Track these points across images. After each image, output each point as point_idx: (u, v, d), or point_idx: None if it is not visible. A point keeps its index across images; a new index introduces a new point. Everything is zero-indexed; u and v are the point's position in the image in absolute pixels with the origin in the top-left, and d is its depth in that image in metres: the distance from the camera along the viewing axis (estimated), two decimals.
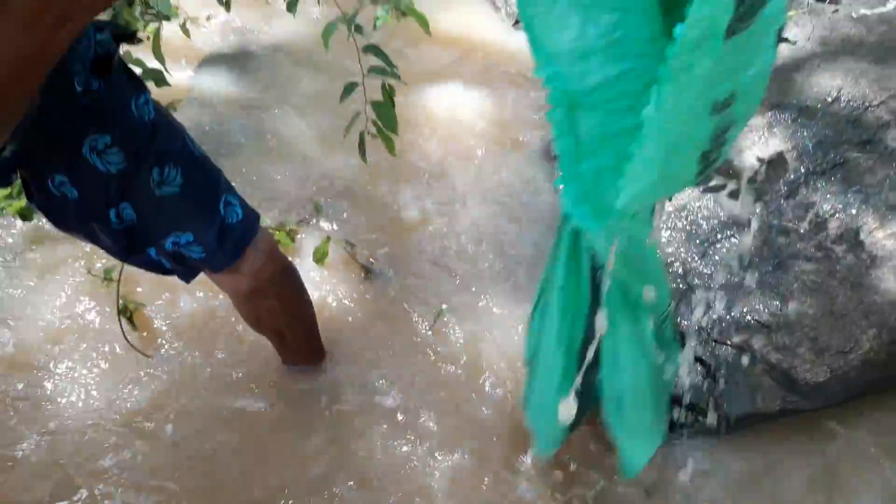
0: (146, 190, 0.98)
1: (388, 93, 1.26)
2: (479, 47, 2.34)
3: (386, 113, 1.27)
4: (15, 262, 1.68)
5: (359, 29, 1.25)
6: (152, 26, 1.36)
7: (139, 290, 1.60)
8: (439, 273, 1.68)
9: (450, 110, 2.09)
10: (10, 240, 1.74)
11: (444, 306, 1.59)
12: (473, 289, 1.65)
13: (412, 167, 1.92)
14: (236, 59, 2.20)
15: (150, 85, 1.11)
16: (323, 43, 1.21)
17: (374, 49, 1.22)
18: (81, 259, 1.66)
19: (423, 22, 1.30)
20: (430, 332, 1.56)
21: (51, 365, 1.49)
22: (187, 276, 1.11)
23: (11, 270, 1.65)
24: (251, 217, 1.09)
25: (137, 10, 1.35)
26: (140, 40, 1.25)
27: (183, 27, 1.47)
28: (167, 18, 1.43)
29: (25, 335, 1.53)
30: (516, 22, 2.41)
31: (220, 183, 1.06)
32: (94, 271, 1.55)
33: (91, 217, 0.99)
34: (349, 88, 1.26)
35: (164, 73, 1.32)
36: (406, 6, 1.31)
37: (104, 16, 1.30)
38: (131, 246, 1.03)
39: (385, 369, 1.51)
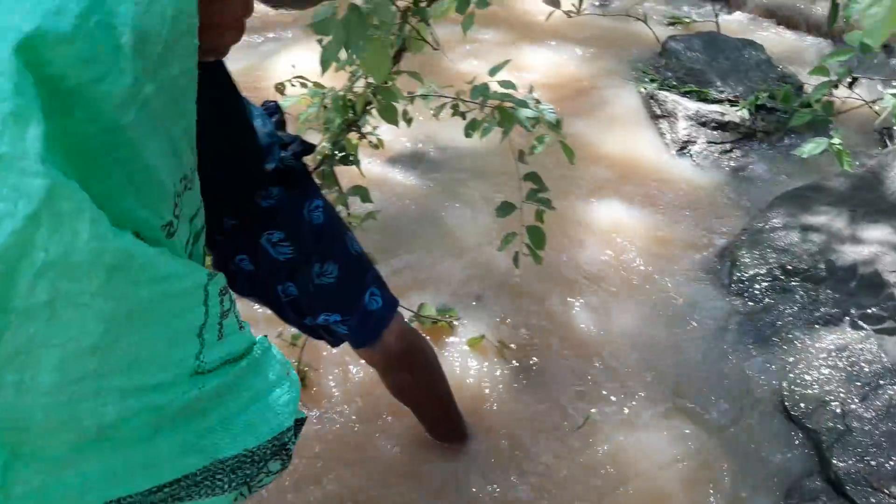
0: (307, 278, 1.18)
1: (540, 216, 1.43)
2: (640, 170, 2.45)
3: (537, 237, 1.45)
4: None
5: (521, 157, 1.43)
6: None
7: (324, 353, 1.78)
8: (588, 375, 1.74)
9: (609, 223, 2.19)
10: None
11: (592, 410, 1.64)
12: (622, 397, 1.69)
13: (569, 269, 2.02)
14: (417, 160, 2.44)
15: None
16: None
17: (533, 177, 1.42)
18: (275, 324, 1.87)
19: (570, 154, 1.48)
20: (574, 435, 1.61)
21: None
22: (334, 344, 1.30)
23: None
24: (389, 306, 1.28)
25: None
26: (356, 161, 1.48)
27: (379, 140, 1.72)
28: (349, 162, 1.66)
29: None
30: (681, 148, 2.51)
31: (367, 277, 1.26)
32: (283, 336, 1.75)
33: (262, 289, 1.21)
34: (505, 210, 1.45)
35: (368, 191, 1.57)
36: (556, 137, 1.47)
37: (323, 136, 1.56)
38: (292, 314, 1.23)
39: (524, 463, 1.57)
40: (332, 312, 1.22)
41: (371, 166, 2.25)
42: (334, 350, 1.67)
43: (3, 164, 0.41)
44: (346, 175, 1.67)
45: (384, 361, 1.37)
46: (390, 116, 1.43)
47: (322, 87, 1.99)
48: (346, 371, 1.79)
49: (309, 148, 1.21)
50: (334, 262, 1.20)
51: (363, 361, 1.74)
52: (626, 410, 1.66)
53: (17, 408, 0.44)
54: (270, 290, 1.20)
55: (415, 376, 1.43)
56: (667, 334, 1.84)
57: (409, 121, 1.61)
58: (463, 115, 1.53)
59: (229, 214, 1.13)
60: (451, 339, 1.83)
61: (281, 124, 1.21)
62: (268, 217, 1.14)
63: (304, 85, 1.64)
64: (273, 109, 1.21)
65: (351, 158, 1.52)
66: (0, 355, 0.42)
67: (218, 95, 1.03)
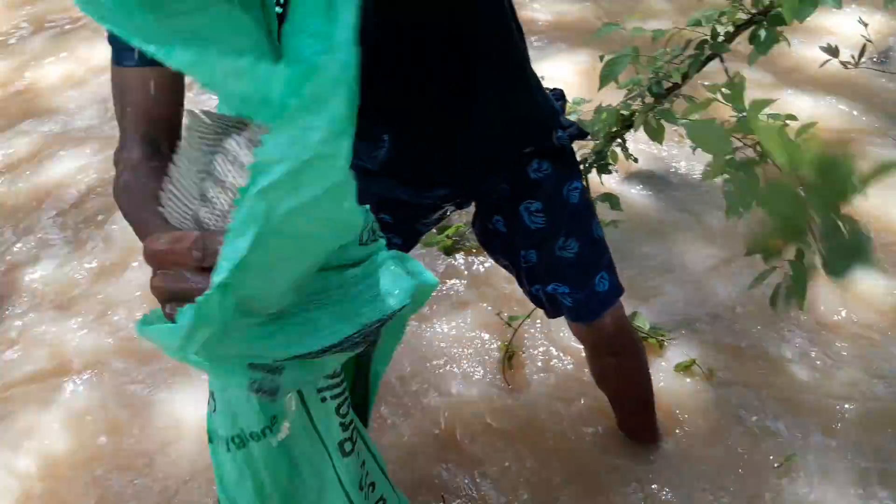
0: (550, 249, 1.29)
1: (801, 256, 1.43)
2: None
3: (800, 278, 1.45)
4: (437, 294, 2.13)
5: None
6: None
7: (534, 338, 1.94)
8: (795, 416, 1.74)
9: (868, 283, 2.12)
10: (438, 270, 2.22)
11: (793, 453, 1.66)
12: (829, 447, 1.68)
13: (808, 316, 1.99)
14: (657, 179, 2.51)
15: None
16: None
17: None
18: (496, 302, 2.07)
19: None
20: (772, 472, 1.63)
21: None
22: (553, 314, 1.40)
23: (434, 299, 2.10)
24: (615, 291, 1.36)
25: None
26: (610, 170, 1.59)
27: (626, 153, 1.83)
28: (606, 170, 1.76)
29: (426, 352, 1.95)
30: None
31: (602, 260, 1.34)
32: (501, 316, 1.93)
33: (508, 251, 1.35)
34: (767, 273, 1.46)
35: (618, 200, 1.70)
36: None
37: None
38: (526, 279, 1.36)
39: (711, 485, 1.62)
40: (562, 284, 1.32)
41: (609, 177, 2.36)
42: (542, 334, 1.82)
43: None
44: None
45: (595, 340, 1.46)
46: (658, 136, 1.54)
47: (583, 100, 2.14)
48: (550, 357, 1.93)
49: (583, 134, 1.33)
50: (577, 239, 1.30)
51: (570, 352, 1.90)
52: (827, 461, 1.65)
53: (259, 290, 0.60)
54: (514, 253, 1.34)
55: (620, 362, 1.51)
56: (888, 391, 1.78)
57: (634, 160, 1.69)
58: None
59: (505, 182, 1.28)
60: (658, 358, 1.91)
61: (563, 108, 1.34)
62: (533, 188, 1.27)
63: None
64: (559, 96, 1.35)
65: (609, 167, 1.65)
66: (269, 259, 0.56)
67: (519, 74, 1.21)
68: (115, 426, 1.87)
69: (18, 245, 2.44)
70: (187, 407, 1.89)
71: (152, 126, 0.90)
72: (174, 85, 0.92)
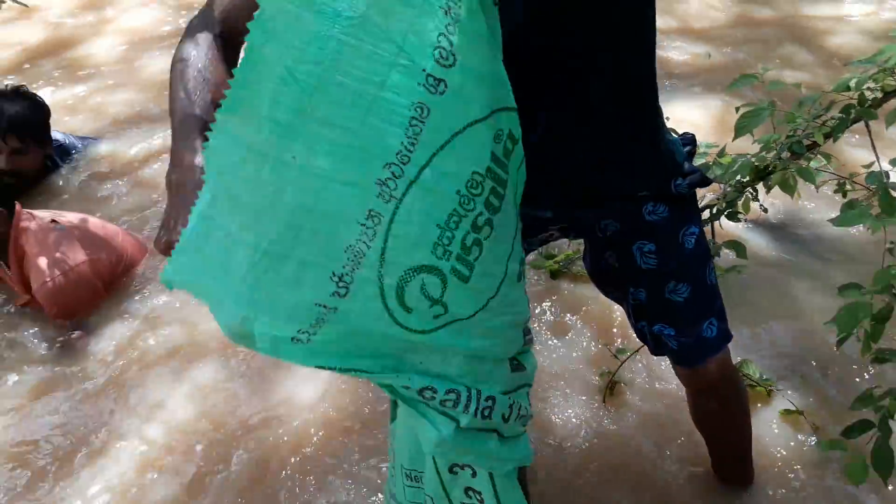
0: (660, 291, 1.29)
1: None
2: None
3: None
4: (540, 315, 2.20)
5: None
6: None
7: (640, 374, 1.98)
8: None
9: None
10: (538, 288, 2.29)
11: None
12: None
13: None
14: (775, 228, 2.50)
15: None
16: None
17: None
18: (598, 330, 2.12)
19: None
20: None
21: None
22: (656, 352, 1.40)
23: (535, 322, 2.15)
24: (723, 338, 1.35)
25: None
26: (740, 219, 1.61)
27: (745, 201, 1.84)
28: (735, 218, 1.77)
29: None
30: None
31: (713, 307, 1.33)
32: (610, 347, 1.98)
33: (618, 285, 1.37)
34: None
35: (744, 248, 1.71)
36: None
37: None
38: (633, 314, 1.37)
39: None
40: (668, 326, 1.32)
41: (729, 223, 2.36)
42: (645, 369, 1.84)
43: None
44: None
45: (698, 385, 1.46)
46: (791, 191, 1.56)
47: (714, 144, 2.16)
48: (653, 391, 1.96)
49: (706, 182, 1.29)
50: (688, 284, 1.29)
51: (671, 389, 1.92)
52: None
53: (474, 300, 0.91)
54: (624, 289, 1.35)
55: (722, 408, 1.49)
56: None
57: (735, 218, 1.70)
58: (844, 194, 1.59)
59: (613, 218, 1.28)
60: (765, 406, 1.90)
61: (690, 155, 1.33)
62: (647, 229, 1.27)
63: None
64: (689, 141, 1.34)
65: (739, 216, 1.68)
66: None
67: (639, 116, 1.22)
68: (235, 401, 2.05)
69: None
70: (304, 393, 2.05)
71: (229, 23, 0.94)
72: None
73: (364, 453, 1.87)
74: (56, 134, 3.02)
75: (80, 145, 3.13)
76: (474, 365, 1.00)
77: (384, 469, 1.82)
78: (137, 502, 1.81)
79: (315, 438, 1.92)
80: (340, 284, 0.81)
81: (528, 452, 1.10)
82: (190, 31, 1.01)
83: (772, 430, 1.85)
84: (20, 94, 2.77)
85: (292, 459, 1.87)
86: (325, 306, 0.83)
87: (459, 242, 0.84)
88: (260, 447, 1.91)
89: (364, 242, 0.79)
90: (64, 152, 3.05)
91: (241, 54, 0.76)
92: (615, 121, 1.17)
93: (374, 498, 1.77)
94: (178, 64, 0.97)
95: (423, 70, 0.76)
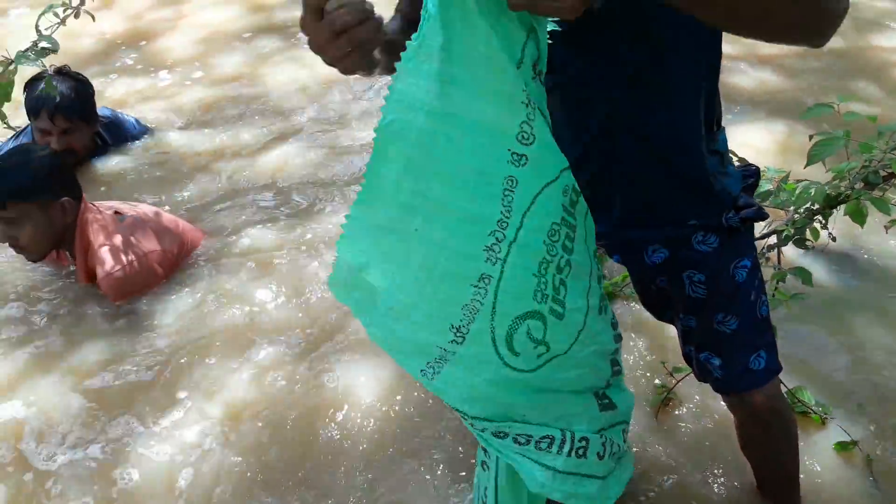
0: (709, 320, 1.30)
1: None
2: None
3: None
4: None
5: None
6: None
7: (695, 393, 2.00)
8: None
9: None
10: None
11: None
12: None
13: None
14: (840, 259, 2.47)
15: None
16: None
17: None
18: (650, 348, 2.14)
19: None
20: None
21: None
22: (700, 378, 1.41)
23: None
24: (770, 371, 1.34)
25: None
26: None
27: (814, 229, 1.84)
28: (803, 245, 1.78)
29: None
30: None
31: (762, 340, 1.32)
32: (666, 364, 2.01)
33: (668, 309, 1.39)
34: None
35: (811, 276, 1.72)
36: None
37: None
38: (681, 338, 1.39)
39: None
40: (715, 356, 1.33)
41: (788, 250, 2.36)
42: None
43: None
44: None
45: (744, 412, 1.46)
46: (861, 220, 1.57)
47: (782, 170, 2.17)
48: (705, 412, 1.96)
49: (761, 217, 1.29)
50: (738, 317, 1.29)
51: (723, 409, 1.91)
52: None
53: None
54: (674, 313, 1.37)
55: (768, 437, 1.49)
56: None
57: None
58: None
59: (660, 244, 1.29)
60: (819, 434, 1.90)
61: (752, 187, 1.33)
62: (696, 259, 1.27)
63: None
64: (752, 174, 1.34)
65: (807, 244, 1.69)
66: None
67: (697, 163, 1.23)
68: (292, 384, 2.11)
69: (236, 217, 2.77)
70: (358, 379, 2.11)
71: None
72: None
73: (414, 444, 1.92)
74: (104, 110, 3.11)
75: (132, 122, 3.20)
76: (567, 406, 1.14)
77: (434, 464, 1.86)
78: (195, 472, 1.88)
79: (369, 428, 1.97)
80: (458, 335, 0.98)
81: (618, 489, 1.24)
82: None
83: (824, 458, 1.84)
84: (64, 75, 2.83)
85: (344, 445, 1.93)
86: (444, 349, 1.00)
87: (551, 285, 0.99)
88: (313, 430, 1.98)
89: (478, 300, 0.95)
90: (113, 128, 3.12)
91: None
92: (666, 141, 1.19)
93: (424, 489, 1.81)
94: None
95: (510, 150, 0.92)
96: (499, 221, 0.94)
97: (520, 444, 1.12)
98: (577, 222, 1.03)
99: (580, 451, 1.15)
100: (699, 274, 1.28)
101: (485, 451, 1.29)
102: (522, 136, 0.92)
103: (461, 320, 0.97)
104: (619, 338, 1.21)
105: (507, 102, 0.91)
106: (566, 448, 1.13)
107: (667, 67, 1.12)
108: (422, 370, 1.04)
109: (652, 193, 1.24)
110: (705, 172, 1.22)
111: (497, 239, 0.94)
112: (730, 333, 1.30)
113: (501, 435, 1.12)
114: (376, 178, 0.93)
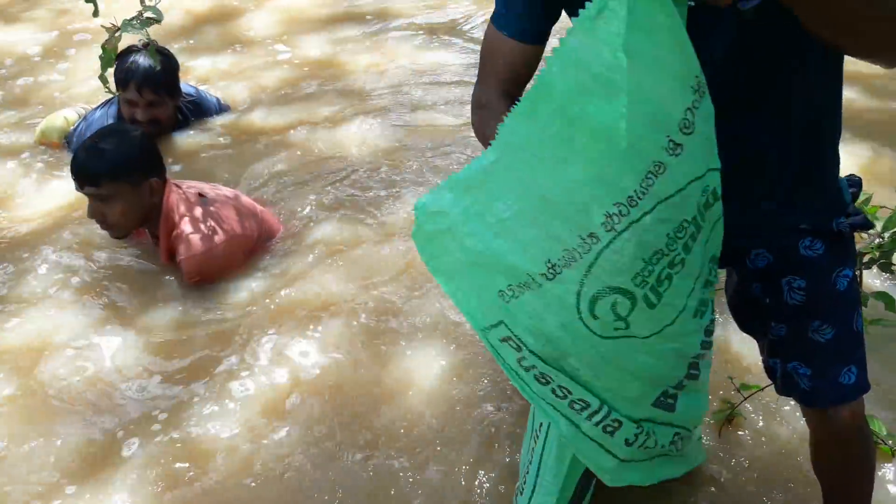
0: (803, 329, 1.28)
1: None
2: None
3: None
4: None
5: None
6: None
7: (761, 411, 1.96)
8: None
9: None
10: None
11: None
12: None
13: None
14: None
15: None
16: None
17: None
18: (720, 363, 2.10)
19: None
20: None
21: None
22: (783, 391, 1.38)
23: None
24: (859, 388, 1.31)
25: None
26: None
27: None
28: (889, 269, 1.71)
29: None
30: None
31: (854, 354, 1.29)
32: (734, 380, 1.96)
33: (758, 319, 1.36)
34: None
35: (894, 300, 1.67)
36: None
37: None
38: (767, 349, 1.36)
39: None
40: (805, 365, 1.30)
41: (877, 273, 2.28)
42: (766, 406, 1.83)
43: None
44: None
45: (826, 430, 1.40)
46: None
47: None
48: (771, 433, 1.92)
49: (867, 226, 1.30)
50: (834, 326, 1.27)
51: (789, 432, 1.88)
52: None
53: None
54: (765, 322, 1.34)
55: (847, 459, 1.44)
56: None
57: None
58: None
59: (766, 248, 1.28)
60: (886, 466, 1.84)
61: (854, 197, 1.32)
62: (800, 264, 1.26)
63: None
64: (855, 183, 1.34)
65: (893, 268, 1.64)
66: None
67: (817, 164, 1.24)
68: (356, 365, 2.15)
69: (310, 200, 2.82)
70: (420, 366, 2.14)
71: (511, 84, 1.23)
72: (535, 60, 1.25)
73: (470, 429, 1.94)
74: (187, 87, 3.21)
75: (214, 101, 3.31)
76: (620, 384, 1.12)
77: (493, 453, 1.88)
78: (257, 442, 1.93)
79: (428, 411, 2.00)
80: (550, 271, 0.98)
81: (638, 479, 1.25)
82: (478, 100, 1.30)
83: (891, 492, 1.79)
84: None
85: (401, 429, 1.96)
86: (532, 278, 1.00)
87: (656, 275, 0.98)
88: (373, 411, 2.01)
89: (579, 252, 0.96)
90: (196, 105, 3.22)
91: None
92: (794, 143, 1.20)
93: (475, 472, 1.83)
94: (477, 120, 1.28)
95: (668, 137, 0.90)
96: (629, 198, 0.92)
97: (557, 396, 1.12)
98: (704, 225, 1.02)
99: (608, 429, 1.15)
100: (800, 280, 1.26)
101: (534, 423, 1.30)
102: (685, 125, 0.90)
103: (559, 259, 0.97)
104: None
105: (680, 84, 0.89)
106: (596, 418, 1.13)
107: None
108: (501, 290, 1.04)
109: (780, 186, 1.24)
110: (837, 171, 1.24)
111: (620, 212, 0.92)
112: (824, 343, 1.27)
113: (543, 381, 1.11)
114: (530, 118, 0.93)
